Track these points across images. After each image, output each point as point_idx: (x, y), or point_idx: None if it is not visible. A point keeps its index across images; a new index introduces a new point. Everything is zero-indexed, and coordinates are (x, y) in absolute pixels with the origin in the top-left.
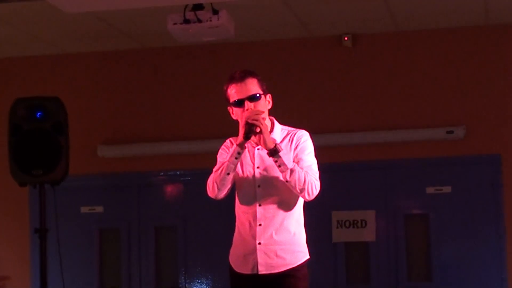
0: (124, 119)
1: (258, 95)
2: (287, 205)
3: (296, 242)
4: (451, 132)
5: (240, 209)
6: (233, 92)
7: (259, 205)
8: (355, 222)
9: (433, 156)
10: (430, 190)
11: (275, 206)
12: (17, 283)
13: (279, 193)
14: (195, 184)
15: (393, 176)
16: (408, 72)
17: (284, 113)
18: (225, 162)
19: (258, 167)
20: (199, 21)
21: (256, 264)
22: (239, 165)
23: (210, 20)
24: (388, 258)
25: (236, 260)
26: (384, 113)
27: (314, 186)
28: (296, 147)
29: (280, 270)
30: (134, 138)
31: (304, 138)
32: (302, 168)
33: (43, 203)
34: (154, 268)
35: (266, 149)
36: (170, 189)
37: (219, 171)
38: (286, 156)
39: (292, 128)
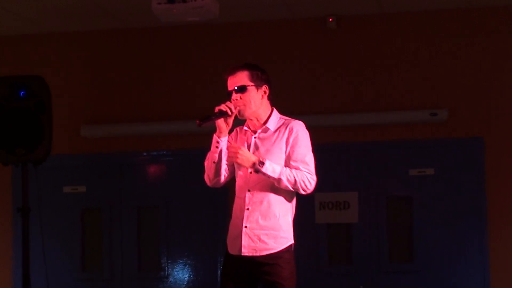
0: (108, 99)
1: (244, 86)
2: (274, 192)
3: (281, 228)
4: (435, 114)
5: (236, 193)
6: (227, 84)
7: (249, 191)
8: (338, 203)
9: (416, 138)
10: (413, 172)
11: (263, 192)
12: None
13: (268, 179)
14: (177, 164)
15: (376, 158)
16: (392, 54)
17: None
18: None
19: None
20: (184, 1)
21: (240, 246)
22: None
23: (195, 0)
24: (370, 240)
25: (229, 241)
26: (367, 94)
27: (306, 183)
28: (288, 139)
29: (262, 254)
30: (118, 118)
31: (296, 129)
32: (295, 161)
33: (26, 182)
34: (137, 248)
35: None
36: (153, 169)
37: (206, 160)
38: (270, 166)
39: (289, 118)
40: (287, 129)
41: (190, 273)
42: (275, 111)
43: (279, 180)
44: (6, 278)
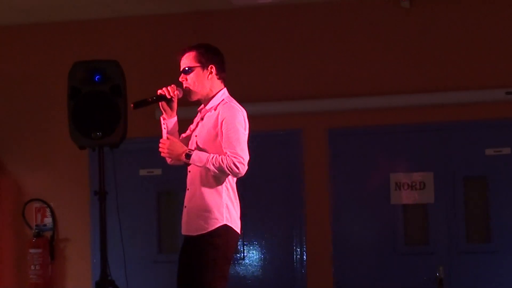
0: (180, 82)
1: (191, 68)
2: (207, 173)
3: (209, 209)
4: (511, 93)
5: None
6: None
7: (189, 172)
8: (414, 184)
9: (492, 117)
10: (489, 151)
11: (197, 173)
12: (77, 245)
13: None
14: (251, 146)
15: (452, 138)
16: (466, 32)
17: (342, 75)
18: None
19: (196, 136)
20: None
21: (182, 225)
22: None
23: None
24: (447, 220)
25: None
26: (442, 74)
27: (233, 168)
28: (217, 123)
29: (194, 234)
30: (190, 101)
31: (224, 114)
32: (224, 146)
33: (102, 166)
34: None
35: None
36: None
37: None
38: (196, 157)
39: (229, 101)
40: (217, 113)
41: (266, 255)
42: (221, 92)
43: (206, 168)
44: (84, 260)
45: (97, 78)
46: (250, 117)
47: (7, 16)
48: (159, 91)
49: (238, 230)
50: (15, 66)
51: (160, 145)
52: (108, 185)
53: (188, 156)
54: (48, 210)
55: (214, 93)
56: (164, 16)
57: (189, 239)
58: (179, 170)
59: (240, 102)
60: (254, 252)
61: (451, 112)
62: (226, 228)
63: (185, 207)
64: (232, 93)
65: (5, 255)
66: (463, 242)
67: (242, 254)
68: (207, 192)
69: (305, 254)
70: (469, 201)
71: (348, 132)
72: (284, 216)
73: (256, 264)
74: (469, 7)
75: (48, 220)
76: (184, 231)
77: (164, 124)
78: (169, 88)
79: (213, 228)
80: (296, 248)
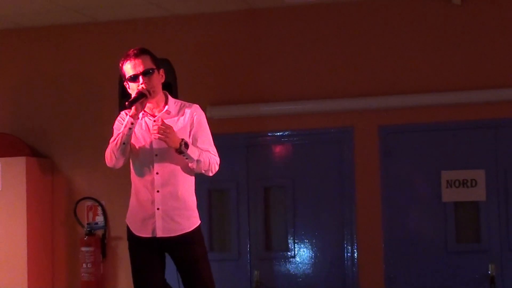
0: (233, 80)
1: (151, 70)
2: (182, 173)
3: (190, 208)
4: None
5: (136, 177)
6: (128, 68)
7: (157, 173)
8: (465, 181)
9: None
10: None
11: (171, 174)
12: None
13: (176, 162)
14: (302, 144)
15: (503, 135)
16: None
17: (392, 72)
18: (120, 133)
19: (155, 138)
20: None
21: (154, 228)
22: (137, 135)
23: None
24: (498, 218)
25: (134, 224)
26: (494, 71)
27: (216, 166)
28: (192, 123)
29: (176, 234)
30: (243, 98)
31: (199, 114)
32: (203, 144)
33: None
34: (264, 228)
35: (174, 148)
36: (278, 149)
37: (115, 141)
38: (192, 148)
39: (184, 102)
40: (189, 112)
41: (317, 252)
42: (168, 96)
43: (197, 161)
44: None
45: None
46: (301, 115)
47: (59, 16)
48: (140, 91)
49: None
50: (66, 66)
51: (160, 126)
52: None
53: (187, 145)
54: (99, 208)
55: (163, 97)
56: (214, 14)
57: (162, 240)
58: (230, 168)
59: (292, 100)
60: (304, 249)
61: (502, 109)
62: (200, 225)
63: (158, 209)
64: (283, 91)
65: (58, 253)
66: None
67: (293, 252)
68: (187, 191)
69: (356, 252)
70: None
71: (399, 129)
72: (335, 213)
73: (306, 262)
74: None
75: (100, 218)
76: (163, 233)
77: (133, 123)
78: (146, 87)
79: (195, 226)
80: (347, 246)
